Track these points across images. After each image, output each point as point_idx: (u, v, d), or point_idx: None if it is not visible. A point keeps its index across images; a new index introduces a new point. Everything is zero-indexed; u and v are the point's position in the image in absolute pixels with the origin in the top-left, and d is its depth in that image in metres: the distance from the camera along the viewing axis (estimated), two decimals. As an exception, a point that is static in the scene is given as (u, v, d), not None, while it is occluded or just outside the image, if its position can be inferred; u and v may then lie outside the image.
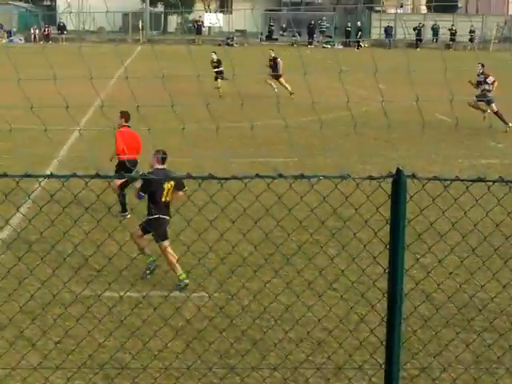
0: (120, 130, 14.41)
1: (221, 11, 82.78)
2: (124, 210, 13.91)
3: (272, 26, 73.37)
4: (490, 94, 25.08)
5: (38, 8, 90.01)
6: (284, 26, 76.50)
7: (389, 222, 4.92)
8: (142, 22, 72.73)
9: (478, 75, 25.64)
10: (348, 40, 66.57)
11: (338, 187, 5.69)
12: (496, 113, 24.88)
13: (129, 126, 14.50)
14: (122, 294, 8.73)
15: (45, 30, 71.53)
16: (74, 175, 4.82)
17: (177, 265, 10.34)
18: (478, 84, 25.59)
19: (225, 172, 16.84)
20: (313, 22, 69.01)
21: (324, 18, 71.41)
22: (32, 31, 72.27)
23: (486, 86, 25.29)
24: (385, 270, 5.10)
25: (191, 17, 79.76)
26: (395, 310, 5.02)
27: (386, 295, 5.03)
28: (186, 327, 8.76)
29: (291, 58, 42.51)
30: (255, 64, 33.77)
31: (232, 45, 66.02)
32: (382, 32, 71.35)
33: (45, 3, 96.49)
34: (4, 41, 69.26)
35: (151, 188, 10.43)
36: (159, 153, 10.85)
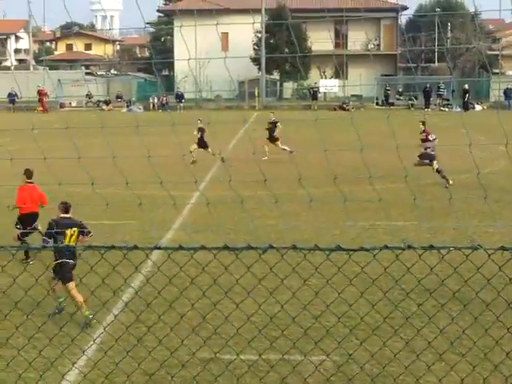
0: (22, 185, 15.73)
1: (336, 77, 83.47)
2: (27, 257, 14.86)
3: (388, 90, 73.28)
4: (432, 152, 25.00)
5: (156, 78, 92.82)
6: (400, 90, 76.30)
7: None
8: (258, 89, 73.93)
9: (421, 133, 25.43)
10: (465, 102, 65.62)
11: (468, 258, 5.48)
12: (437, 170, 24.71)
13: (31, 182, 15.73)
14: (241, 356, 8.59)
15: (163, 99, 73.47)
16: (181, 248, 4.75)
17: (83, 304, 10.89)
18: (423, 141, 25.34)
19: (345, 235, 16.61)
20: (428, 86, 68.54)
21: (441, 82, 70.82)
22: (150, 100, 74.35)
23: (429, 144, 25.07)
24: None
25: (306, 83, 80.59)
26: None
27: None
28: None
29: (408, 122, 42.27)
30: (369, 128, 33.58)
31: (348, 109, 66.16)
32: (501, 94, 70.20)
33: (163, 73, 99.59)
34: (123, 110, 71.44)
35: (54, 234, 11.39)
36: (63, 204, 12.00)
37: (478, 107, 66.09)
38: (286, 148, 31.14)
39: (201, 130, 30.75)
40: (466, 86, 66.77)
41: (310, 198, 17.69)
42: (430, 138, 25.15)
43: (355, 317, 10.27)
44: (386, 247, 4.94)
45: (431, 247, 4.98)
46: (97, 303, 9.73)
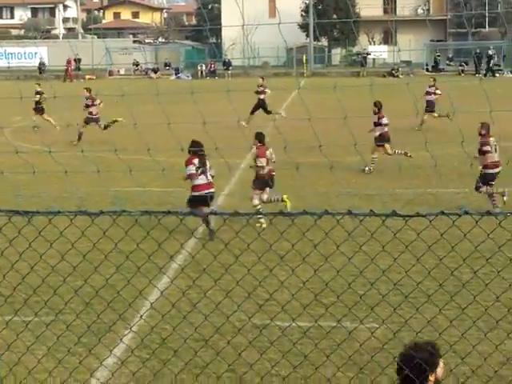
0: None
1: (385, 43, 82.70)
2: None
3: (438, 56, 72.40)
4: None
5: (204, 45, 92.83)
6: (450, 55, 75.31)
7: None
8: (306, 55, 73.50)
9: None
10: (489, 67, 65.50)
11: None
12: None
13: None
14: (297, 322, 8.62)
15: (211, 67, 73.50)
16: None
17: None
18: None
19: (395, 202, 16.49)
20: (479, 51, 67.65)
21: (491, 47, 69.69)
22: (199, 68, 74.43)
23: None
24: None
25: (355, 49, 79.94)
26: None
27: None
28: (357, 356, 8.56)
29: (460, 88, 41.77)
30: (421, 94, 33.23)
31: (397, 76, 65.49)
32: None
33: (211, 41, 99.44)
34: (172, 77, 71.62)
35: None
36: None
37: None
38: (50, 120, 30.74)
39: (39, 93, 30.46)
40: (490, 52, 66.67)
41: (364, 164, 17.61)
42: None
43: (406, 284, 10.26)
44: (443, 213, 4.87)
45: (488, 213, 4.91)
46: (153, 268, 9.82)
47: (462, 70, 67.60)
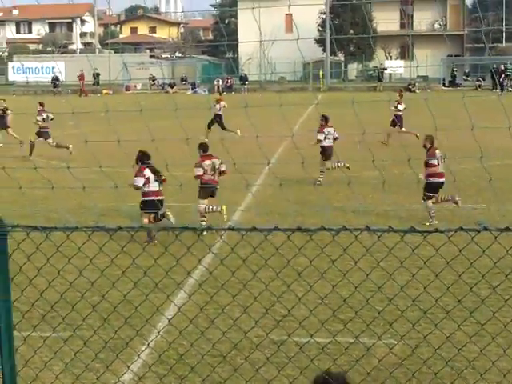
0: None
1: (402, 58, 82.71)
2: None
3: (455, 71, 72.33)
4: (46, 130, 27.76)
5: (220, 60, 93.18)
6: (467, 70, 75.23)
7: None
8: (323, 70, 73.60)
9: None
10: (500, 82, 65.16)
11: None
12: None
13: None
14: (315, 338, 8.58)
15: (227, 81, 73.65)
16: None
17: None
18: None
19: (412, 218, 16.44)
20: (495, 66, 67.56)
21: (509, 62, 69.56)
22: (215, 83, 74.67)
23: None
24: None
25: (372, 64, 79.95)
26: None
27: None
28: (375, 372, 8.50)
29: (477, 103, 41.61)
30: (438, 109, 33.17)
31: (414, 91, 65.43)
32: None
33: (227, 56, 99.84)
34: (188, 92, 71.85)
35: None
36: None
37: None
38: (16, 136, 30.42)
39: (4, 110, 30.66)
40: (502, 67, 66.47)
41: (381, 180, 17.57)
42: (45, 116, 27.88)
43: (424, 300, 10.20)
44: (462, 229, 4.83)
45: (507, 229, 4.84)
46: (171, 283, 9.81)
47: (479, 85, 67.48)
